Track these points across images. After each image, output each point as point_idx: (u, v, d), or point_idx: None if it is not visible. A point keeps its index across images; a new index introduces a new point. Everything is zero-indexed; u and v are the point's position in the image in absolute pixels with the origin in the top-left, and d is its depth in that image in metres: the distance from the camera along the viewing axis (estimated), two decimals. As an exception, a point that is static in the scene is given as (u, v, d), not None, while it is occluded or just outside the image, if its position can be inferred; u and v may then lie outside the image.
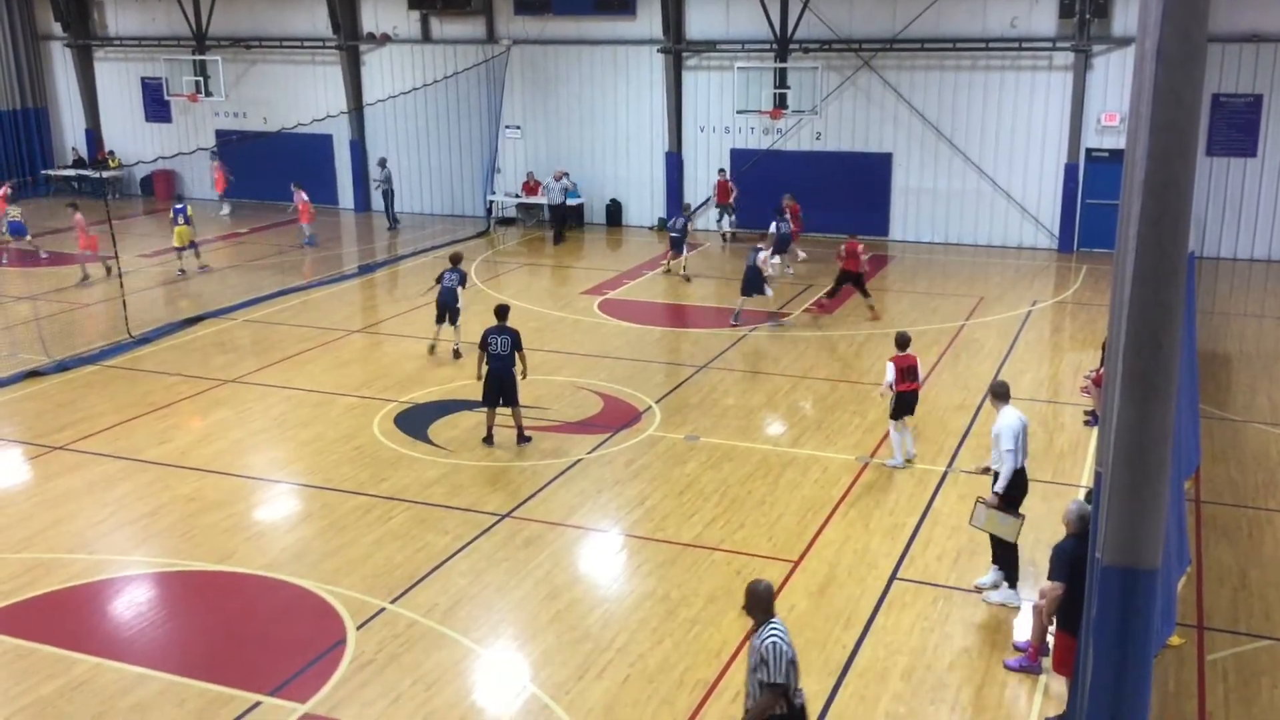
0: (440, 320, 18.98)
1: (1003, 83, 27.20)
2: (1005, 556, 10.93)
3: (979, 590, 11.09)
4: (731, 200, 28.73)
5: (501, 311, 15.20)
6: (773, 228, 22.96)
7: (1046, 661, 9.74)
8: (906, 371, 13.92)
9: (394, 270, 26.54)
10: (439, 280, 19.04)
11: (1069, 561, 8.74)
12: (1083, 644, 6.88)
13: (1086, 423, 15.58)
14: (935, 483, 13.77)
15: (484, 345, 14.74)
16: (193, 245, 25.76)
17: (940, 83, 27.66)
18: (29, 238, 27.15)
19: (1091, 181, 26.99)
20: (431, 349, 19.15)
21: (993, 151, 27.61)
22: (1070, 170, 27.00)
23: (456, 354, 18.87)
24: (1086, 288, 23.92)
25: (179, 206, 25.68)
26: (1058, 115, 26.89)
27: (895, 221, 28.92)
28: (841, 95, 28.45)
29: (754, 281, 20.60)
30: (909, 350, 14.11)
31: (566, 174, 30.42)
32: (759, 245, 21.18)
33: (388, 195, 30.49)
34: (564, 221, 29.96)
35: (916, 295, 23.42)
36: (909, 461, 14.25)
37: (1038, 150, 27.27)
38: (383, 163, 30.71)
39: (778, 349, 19.44)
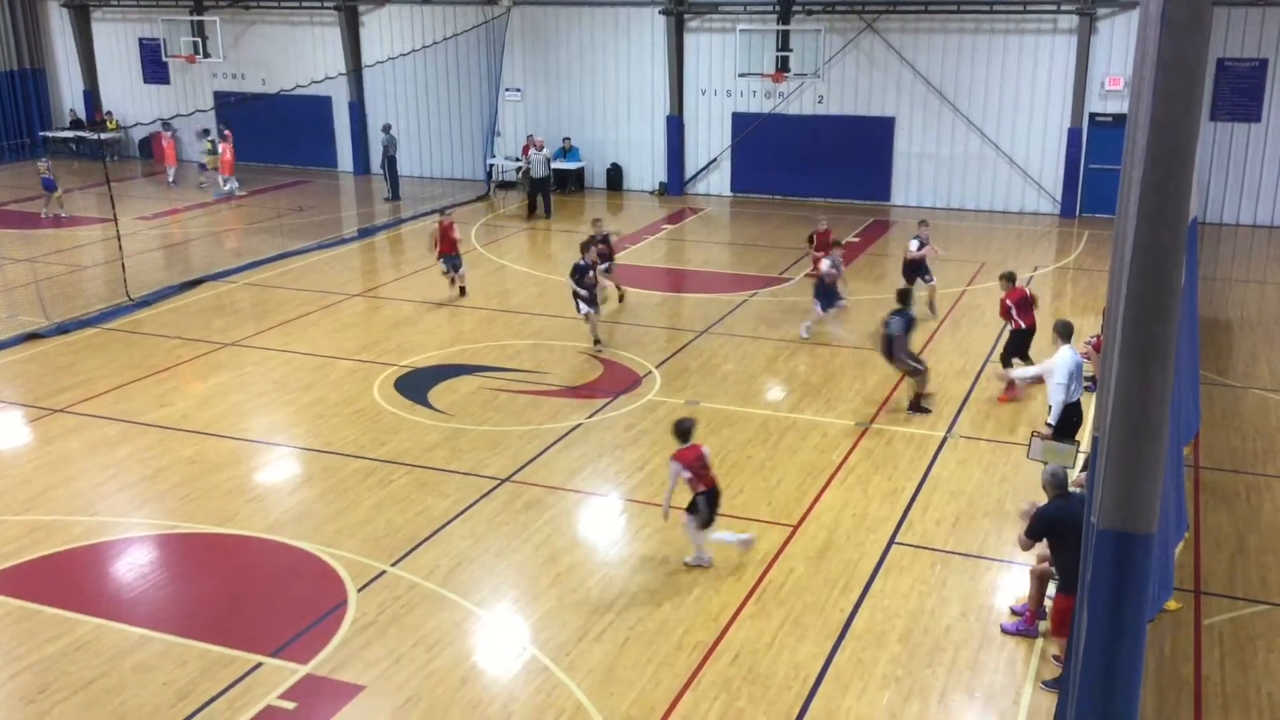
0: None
1: (1006, 46, 27.00)
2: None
3: None
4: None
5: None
6: (827, 264, 17.98)
7: (1042, 625, 9.81)
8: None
9: (394, 234, 26.47)
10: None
11: (1049, 521, 8.85)
12: (1077, 608, 6.93)
13: (1086, 388, 15.57)
14: (935, 448, 13.80)
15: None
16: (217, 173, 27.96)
17: (944, 46, 27.46)
18: (58, 194, 27.16)
19: (1095, 146, 26.85)
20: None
21: (996, 115, 27.45)
22: (1074, 135, 26.85)
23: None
24: (1088, 253, 23.86)
25: (206, 132, 28.94)
26: (1061, 79, 26.70)
27: (897, 186, 28.80)
28: (844, 58, 28.25)
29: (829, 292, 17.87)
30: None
31: (558, 144, 30.20)
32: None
33: (391, 163, 29.81)
34: (541, 194, 27.79)
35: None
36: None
37: (1041, 114, 27.11)
38: (386, 128, 30.25)
39: (778, 314, 19.42)
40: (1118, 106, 26.11)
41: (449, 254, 20.29)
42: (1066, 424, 12.19)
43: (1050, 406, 12.32)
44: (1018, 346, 15.46)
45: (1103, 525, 6.40)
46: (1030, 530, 9.05)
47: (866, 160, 28.70)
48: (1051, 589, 9.72)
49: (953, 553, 11.29)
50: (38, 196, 27.88)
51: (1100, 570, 6.49)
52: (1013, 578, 10.78)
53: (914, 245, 19.01)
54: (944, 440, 14.05)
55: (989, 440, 14.01)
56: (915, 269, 18.96)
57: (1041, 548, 10.09)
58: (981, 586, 10.71)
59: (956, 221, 27.08)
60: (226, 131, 30.22)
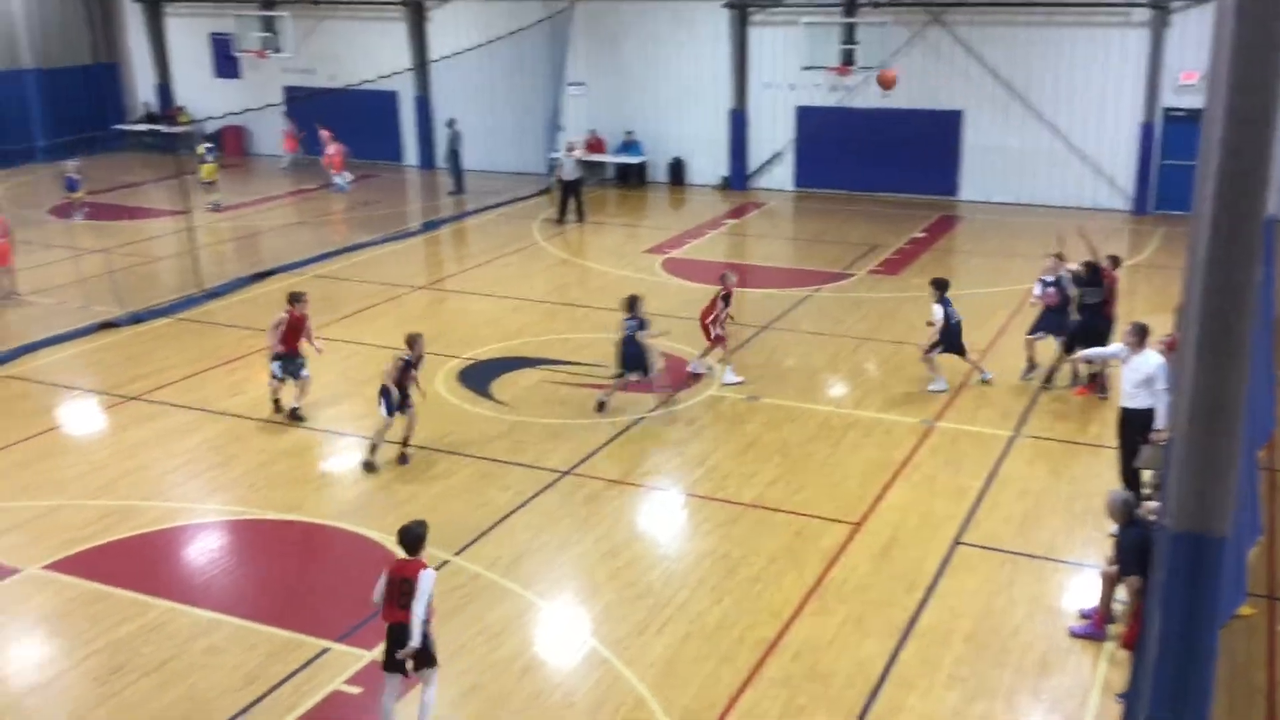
0: None
1: (1076, 39, 26.51)
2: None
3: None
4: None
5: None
6: (938, 313, 15.19)
7: (1112, 629, 9.64)
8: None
9: (459, 227, 26.68)
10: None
11: (1138, 551, 8.67)
12: (1149, 612, 6.80)
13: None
14: (1003, 447, 13.62)
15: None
16: (213, 183, 27.27)
17: (1012, 38, 27.02)
18: (79, 194, 27.16)
19: (1169, 142, 26.28)
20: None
21: (1067, 110, 26.96)
22: (1146, 130, 26.29)
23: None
24: (1162, 251, 23.37)
25: (210, 146, 27.84)
26: (1134, 73, 26.15)
27: (965, 181, 28.42)
28: (910, 51, 27.91)
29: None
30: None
31: (620, 138, 30.15)
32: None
33: (454, 157, 30.06)
34: (574, 197, 26.36)
35: (986, 256, 23.07)
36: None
37: (1113, 109, 26.58)
38: (451, 123, 30.48)
39: (840, 310, 19.28)
40: (1192, 101, 25.52)
41: (290, 354, 14.61)
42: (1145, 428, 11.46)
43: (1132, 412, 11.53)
44: (1098, 338, 14.51)
45: (1176, 527, 6.28)
46: (1126, 566, 8.94)
47: (933, 155, 28.34)
48: (1122, 593, 9.56)
49: (1020, 553, 11.14)
50: (112, 188, 28.53)
51: (1172, 574, 6.37)
52: (1082, 580, 10.61)
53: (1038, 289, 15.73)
54: (1012, 439, 13.85)
55: (1059, 440, 13.79)
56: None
57: (1110, 551, 9.93)
58: (1050, 588, 10.55)
59: (1026, 217, 26.66)
60: (325, 131, 30.40)
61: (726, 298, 15.78)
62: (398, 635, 7.99)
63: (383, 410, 13.12)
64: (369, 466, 13.12)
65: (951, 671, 9.25)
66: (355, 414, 14.95)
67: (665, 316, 18.23)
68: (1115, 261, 15.62)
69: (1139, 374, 11.46)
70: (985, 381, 15.55)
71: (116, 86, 37.56)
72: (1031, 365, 15.73)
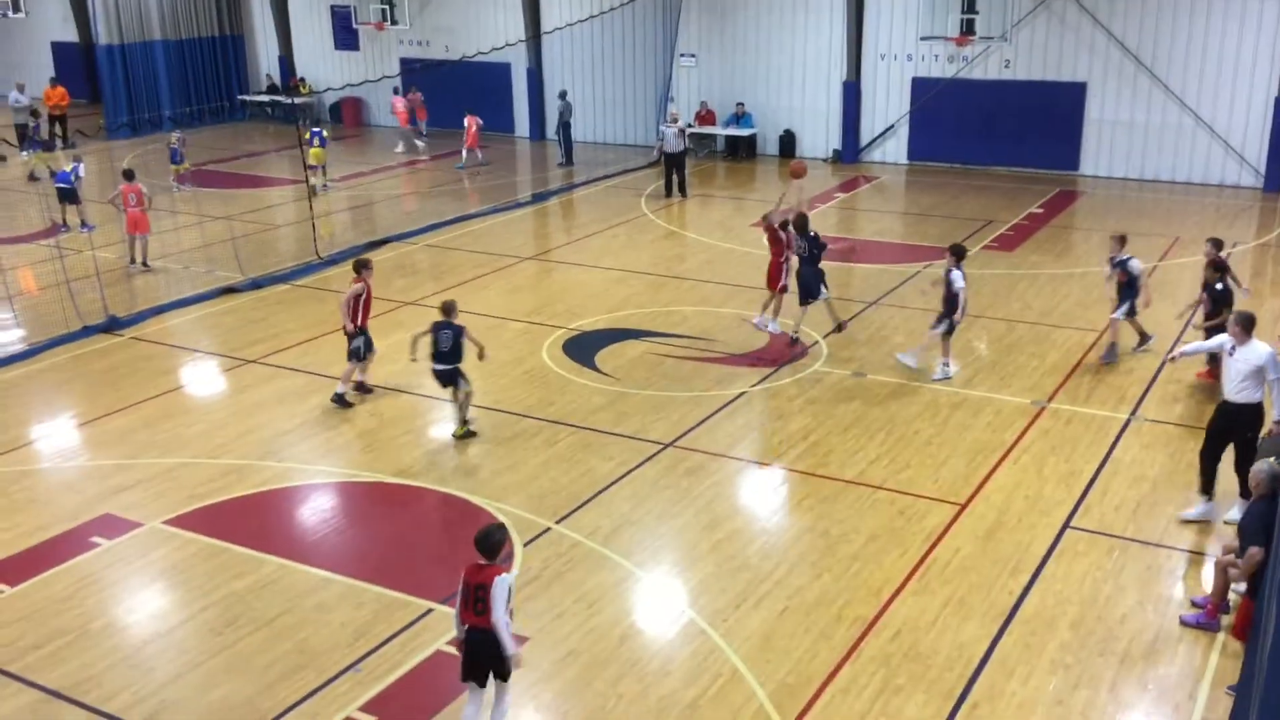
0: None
1: (1210, 9, 25.36)
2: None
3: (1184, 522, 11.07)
4: None
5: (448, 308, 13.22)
6: (958, 281, 14.60)
7: (1225, 620, 9.32)
8: None
9: (567, 199, 26.85)
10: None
11: (1263, 525, 8.32)
12: (1263, 606, 6.56)
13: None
14: (1117, 430, 13.22)
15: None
16: (322, 167, 26.76)
17: (1141, 8, 25.98)
18: (182, 166, 27.37)
19: (1306, 116, 25.06)
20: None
21: (1196, 82, 25.87)
22: (1282, 104, 25.11)
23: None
24: (1294, 230, 22.36)
25: (316, 130, 27.06)
26: (1270, 44, 24.95)
27: (1087, 155, 27.50)
28: (1034, 21, 27.07)
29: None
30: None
31: (731, 109, 29.90)
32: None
33: (566, 129, 30.12)
34: (676, 171, 25.97)
35: (1106, 234, 22.24)
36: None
37: (1246, 82, 25.41)
38: (563, 95, 30.60)
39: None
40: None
41: (364, 329, 14.58)
42: (1253, 423, 10.88)
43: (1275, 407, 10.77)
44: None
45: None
46: (1249, 538, 8.59)
47: (1054, 128, 27.48)
48: (1238, 585, 9.24)
49: (1132, 540, 10.82)
50: (235, 157, 29.35)
51: (1294, 566, 6.14)
52: (1196, 569, 10.28)
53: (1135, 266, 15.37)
54: (1127, 422, 13.44)
55: (1176, 424, 13.34)
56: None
57: (1230, 541, 9.61)
58: (1161, 576, 10.24)
59: (1150, 194, 25.75)
60: (470, 117, 29.81)
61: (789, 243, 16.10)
62: (474, 641, 7.76)
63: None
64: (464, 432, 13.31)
65: (1054, 658, 9.05)
66: (463, 381, 15.22)
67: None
68: (1217, 245, 14.87)
69: (1248, 365, 10.65)
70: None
71: (241, 58, 38.64)
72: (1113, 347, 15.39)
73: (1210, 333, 13.74)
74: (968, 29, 27.22)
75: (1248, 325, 10.82)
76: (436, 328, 12.99)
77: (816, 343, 16.24)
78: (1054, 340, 16.24)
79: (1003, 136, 28.02)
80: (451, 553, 10.86)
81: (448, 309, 13.11)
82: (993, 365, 15.40)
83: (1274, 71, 25.02)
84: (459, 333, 13.01)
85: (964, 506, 11.52)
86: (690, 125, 30.06)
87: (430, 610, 9.83)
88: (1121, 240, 15.36)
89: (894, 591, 10.02)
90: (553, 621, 9.64)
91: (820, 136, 30.37)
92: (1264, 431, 10.84)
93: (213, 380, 15.61)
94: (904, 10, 28.32)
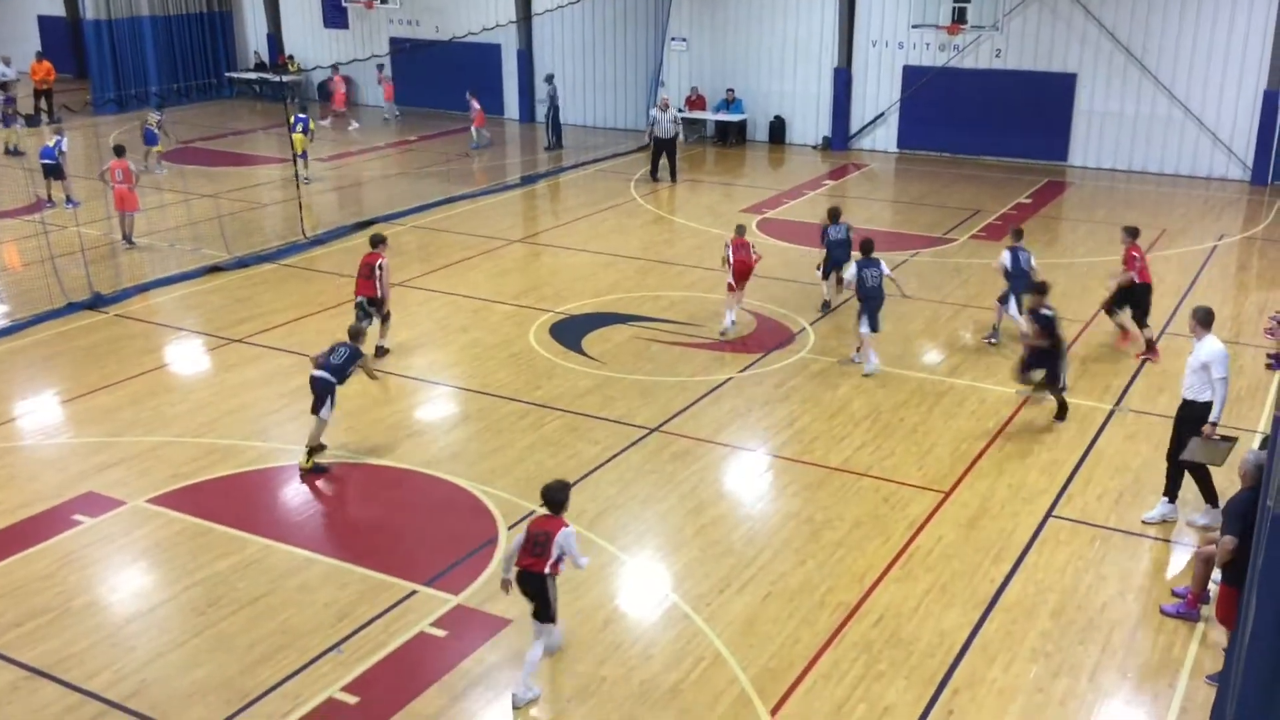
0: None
1: (1201, 1, 25.40)
2: (1202, 479, 10.83)
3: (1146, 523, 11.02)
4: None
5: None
6: (850, 272, 15.08)
7: (1205, 610, 9.39)
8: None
9: (555, 182, 26.78)
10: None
11: (1243, 515, 8.37)
12: (1245, 595, 6.61)
13: (1269, 366, 14.74)
14: (1101, 421, 13.29)
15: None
16: (304, 155, 25.43)
17: (1132, 0, 26.00)
18: (156, 149, 26.52)
19: (1294, 110, 25.14)
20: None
21: (1186, 75, 25.92)
22: (1270, 98, 25.14)
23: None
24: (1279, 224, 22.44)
25: (301, 117, 25.72)
26: (1260, 38, 24.99)
27: (1075, 146, 27.54)
28: (1025, 10, 27.06)
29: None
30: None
31: (721, 95, 29.80)
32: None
33: (554, 113, 29.90)
34: (667, 156, 25.89)
35: (1094, 225, 22.38)
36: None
37: (1235, 75, 25.46)
38: (549, 79, 30.49)
39: (940, 276, 18.93)
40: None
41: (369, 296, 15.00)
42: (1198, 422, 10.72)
43: (1213, 405, 10.63)
44: (1133, 302, 15.32)
45: (1278, 509, 6.08)
46: (1227, 526, 8.65)
47: (1044, 118, 27.51)
48: (1218, 574, 9.30)
49: (1114, 529, 10.89)
50: (221, 135, 29.14)
51: (1274, 557, 6.18)
52: (1177, 558, 10.35)
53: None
54: (1111, 413, 13.51)
55: (1160, 415, 13.40)
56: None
57: (1211, 529, 9.67)
58: (1142, 565, 10.30)
59: (1138, 185, 25.81)
60: (473, 98, 29.59)
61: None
62: (527, 582, 8.39)
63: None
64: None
65: (1035, 645, 9.11)
66: (448, 362, 15.20)
67: (759, 276, 18.07)
68: (1133, 233, 15.41)
69: (1197, 361, 10.56)
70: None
71: (229, 34, 38.35)
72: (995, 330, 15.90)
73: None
74: (959, 17, 27.21)
75: (1205, 320, 10.74)
76: (334, 345, 12.45)
77: (803, 329, 16.25)
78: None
79: (992, 126, 28.04)
80: (436, 535, 10.86)
81: (353, 334, 12.66)
82: (978, 354, 15.44)
83: (1263, 64, 25.08)
84: (354, 356, 12.33)
85: (948, 494, 11.57)
86: (681, 110, 29.97)
87: (414, 592, 9.83)
88: (1018, 234, 16.01)
89: (877, 578, 10.06)
90: (536, 604, 9.64)
91: (810, 123, 30.33)
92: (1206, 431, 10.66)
93: (198, 359, 15.54)
94: (896, -2, 28.27)
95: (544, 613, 8.49)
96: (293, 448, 12.63)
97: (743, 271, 16.01)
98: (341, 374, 12.20)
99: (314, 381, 12.14)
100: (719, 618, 9.50)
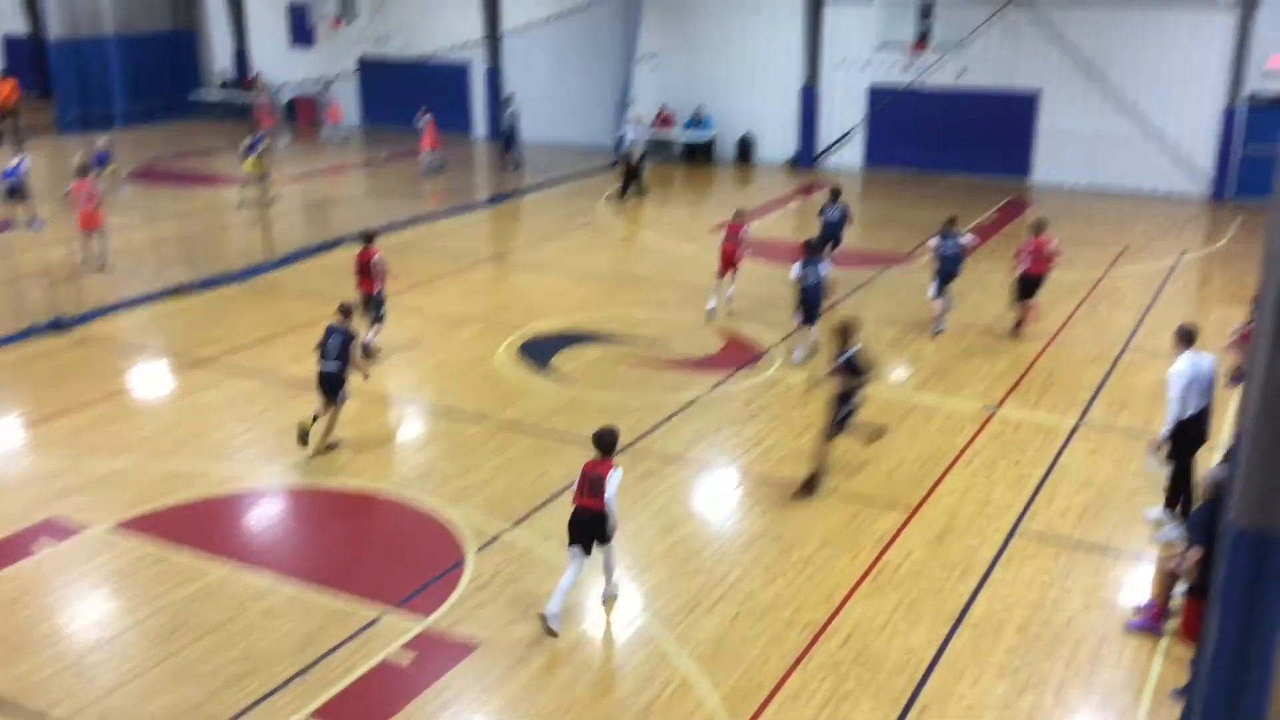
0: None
1: (1161, 22, 25.79)
2: (1184, 498, 10.95)
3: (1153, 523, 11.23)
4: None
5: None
6: (795, 271, 15.74)
7: (1170, 624, 9.46)
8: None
9: (525, 201, 26.75)
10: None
11: (1205, 527, 8.46)
12: (1210, 610, 6.67)
13: (1231, 381, 14.91)
14: (1065, 436, 13.39)
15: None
16: (259, 179, 25.05)
17: (1095, 20, 26.38)
18: (108, 170, 25.58)
19: (1252, 128, 25.53)
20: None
21: (1147, 94, 26.29)
22: (1229, 116, 25.55)
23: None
24: (1239, 239, 22.73)
25: (255, 140, 25.38)
26: (1219, 58, 25.41)
27: (1039, 164, 27.88)
28: (989, 31, 27.37)
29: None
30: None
31: (690, 113, 29.91)
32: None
33: (512, 134, 29.55)
34: (635, 176, 26.17)
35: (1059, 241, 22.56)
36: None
37: (1195, 94, 25.85)
38: (508, 100, 30.42)
39: (906, 293, 19.05)
40: (1278, 87, 24.75)
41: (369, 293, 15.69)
42: (1184, 440, 10.91)
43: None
44: (1026, 290, 16.58)
45: (1241, 524, 6.14)
46: (1192, 540, 8.74)
47: (1007, 136, 27.85)
48: (1181, 587, 9.38)
49: (1079, 544, 10.96)
50: (185, 153, 28.92)
51: (1235, 572, 6.24)
52: (1141, 573, 10.42)
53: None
54: (1075, 429, 13.62)
55: (1123, 431, 13.53)
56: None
57: (1175, 544, 9.75)
58: (1107, 580, 10.38)
59: (1100, 202, 26.10)
60: (423, 115, 28.95)
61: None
62: (582, 519, 9.44)
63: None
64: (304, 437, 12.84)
65: (1002, 662, 9.15)
66: (416, 382, 15.13)
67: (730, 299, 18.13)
68: (1037, 228, 16.71)
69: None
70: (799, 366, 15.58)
71: (195, 54, 38.17)
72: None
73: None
74: (924, 38, 27.48)
75: (1181, 337, 10.95)
76: (328, 331, 12.81)
77: (772, 347, 16.30)
78: (1004, 346, 16.43)
79: (957, 144, 28.33)
80: (403, 558, 10.78)
81: (344, 311, 12.95)
82: (944, 371, 15.54)
83: (1223, 83, 25.47)
84: (347, 338, 12.71)
85: (915, 511, 11.61)
86: (651, 128, 30.05)
87: (380, 617, 9.75)
88: (950, 220, 17.32)
89: (845, 596, 10.08)
90: (506, 627, 9.60)
91: (778, 142, 30.51)
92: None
93: (162, 382, 15.40)
94: (861, 18, 28.53)
95: (606, 537, 9.46)
96: (258, 471, 12.53)
97: (724, 258, 17.00)
98: (345, 361, 12.74)
99: (323, 377, 12.74)
100: (689, 638, 9.48)
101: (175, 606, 9.94)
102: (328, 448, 12.93)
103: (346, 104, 34.69)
